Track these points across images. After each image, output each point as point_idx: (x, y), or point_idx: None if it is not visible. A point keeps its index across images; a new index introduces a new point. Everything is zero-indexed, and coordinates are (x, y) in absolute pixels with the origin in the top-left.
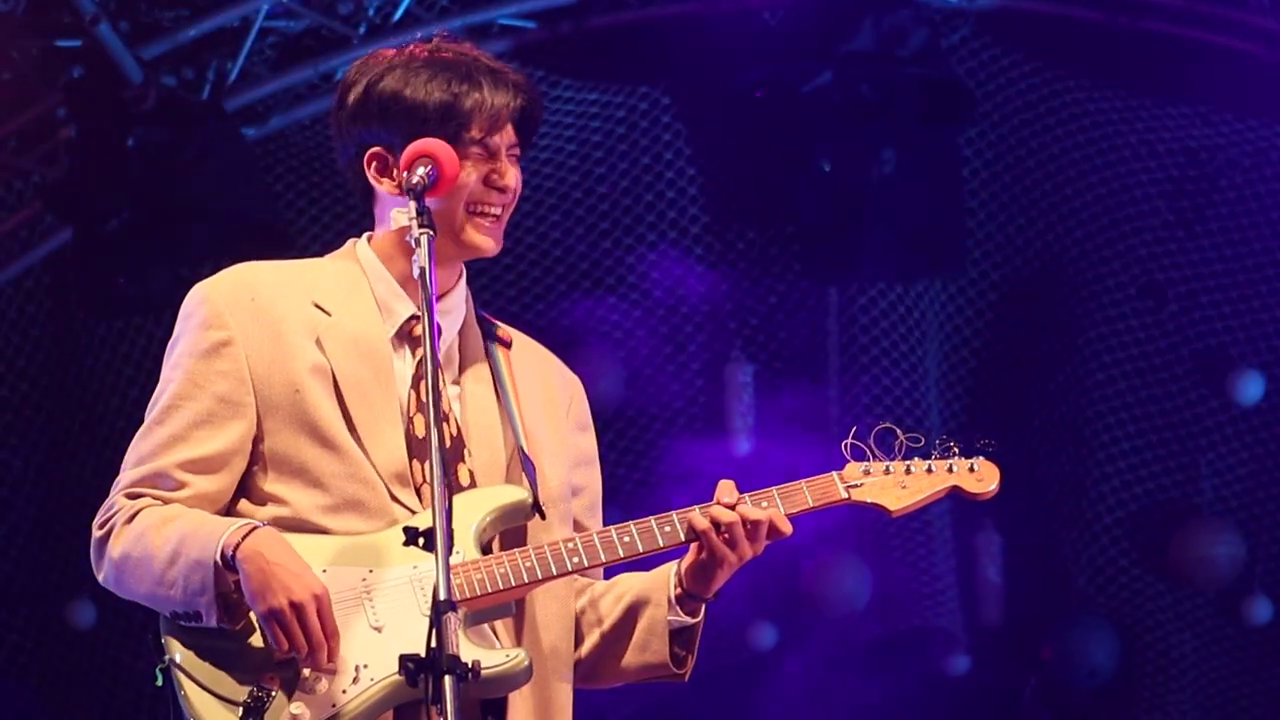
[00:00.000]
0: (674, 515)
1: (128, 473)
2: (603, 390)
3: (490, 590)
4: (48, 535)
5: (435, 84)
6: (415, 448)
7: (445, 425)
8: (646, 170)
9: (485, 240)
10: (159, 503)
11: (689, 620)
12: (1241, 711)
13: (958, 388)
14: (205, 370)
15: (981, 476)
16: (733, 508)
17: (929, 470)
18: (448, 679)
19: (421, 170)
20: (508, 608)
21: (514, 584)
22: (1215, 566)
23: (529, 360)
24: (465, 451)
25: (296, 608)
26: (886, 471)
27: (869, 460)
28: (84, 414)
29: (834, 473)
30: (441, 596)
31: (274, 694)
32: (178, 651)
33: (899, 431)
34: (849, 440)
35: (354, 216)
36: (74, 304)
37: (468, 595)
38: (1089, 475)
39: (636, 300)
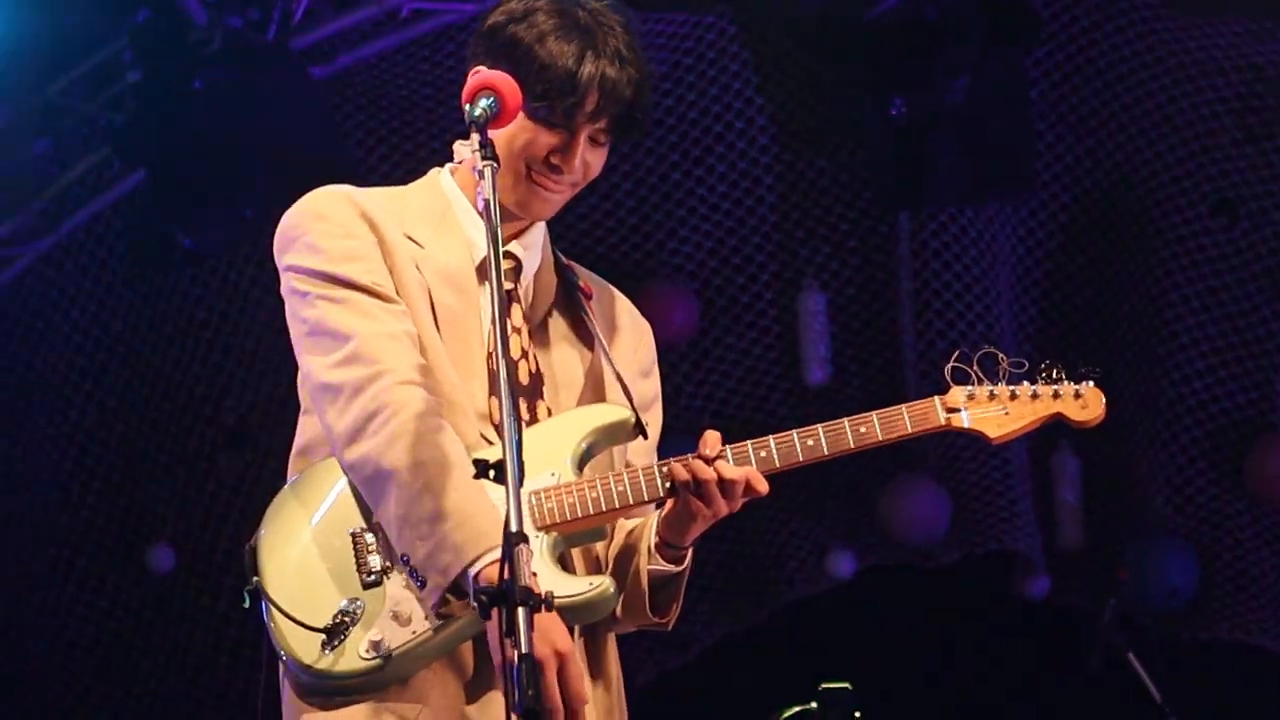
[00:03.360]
0: (657, 465)
1: (379, 343)
2: (677, 322)
3: (580, 515)
4: (125, 480)
5: (556, 42)
6: (495, 385)
7: (524, 362)
8: (715, 100)
9: (535, 205)
10: (439, 410)
11: (671, 569)
12: None
13: (1031, 310)
14: (357, 269)
15: (1086, 404)
16: (711, 462)
17: (1033, 396)
18: (521, 610)
19: (484, 103)
20: (601, 531)
21: (604, 509)
22: None
23: (607, 307)
24: (543, 389)
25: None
26: (990, 396)
27: (973, 385)
28: (158, 357)
29: (935, 397)
30: (513, 529)
31: (357, 619)
32: (267, 572)
33: (1002, 356)
34: (951, 363)
35: (423, 154)
36: (139, 258)
37: (558, 520)
38: (1164, 395)
39: (709, 231)
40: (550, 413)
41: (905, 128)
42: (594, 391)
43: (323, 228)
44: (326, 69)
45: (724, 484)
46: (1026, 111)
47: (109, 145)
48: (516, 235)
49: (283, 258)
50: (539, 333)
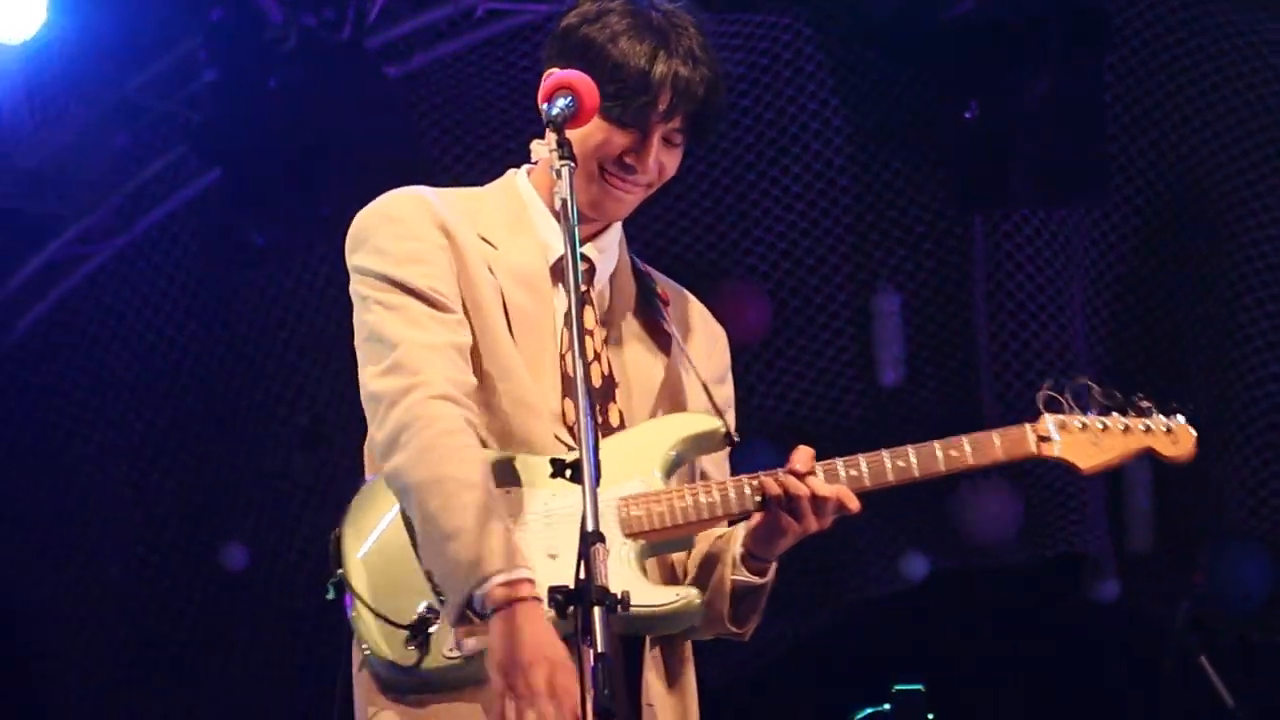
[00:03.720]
0: (753, 478)
1: (422, 355)
2: (750, 322)
3: (668, 525)
4: (199, 478)
5: (629, 42)
6: (568, 386)
7: (597, 365)
8: (790, 101)
9: (608, 205)
10: (468, 427)
11: (755, 580)
12: None
13: (1104, 313)
14: (416, 273)
15: (1177, 439)
16: (803, 478)
17: (1124, 429)
18: (597, 610)
19: (562, 102)
20: (688, 540)
21: (693, 519)
22: None
23: (682, 312)
24: (615, 391)
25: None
26: (1082, 427)
27: (1065, 413)
28: (232, 356)
29: (1027, 424)
30: (589, 528)
31: (442, 616)
32: (351, 564)
33: (1095, 387)
34: (1044, 391)
35: (498, 154)
36: (213, 257)
37: (646, 528)
38: (1238, 398)
39: (782, 232)
40: (622, 416)
41: (981, 130)
42: (669, 396)
43: (391, 229)
44: (401, 68)
45: (816, 500)
46: (1101, 114)
47: (186, 143)
48: (591, 237)
49: (351, 258)
50: (613, 336)
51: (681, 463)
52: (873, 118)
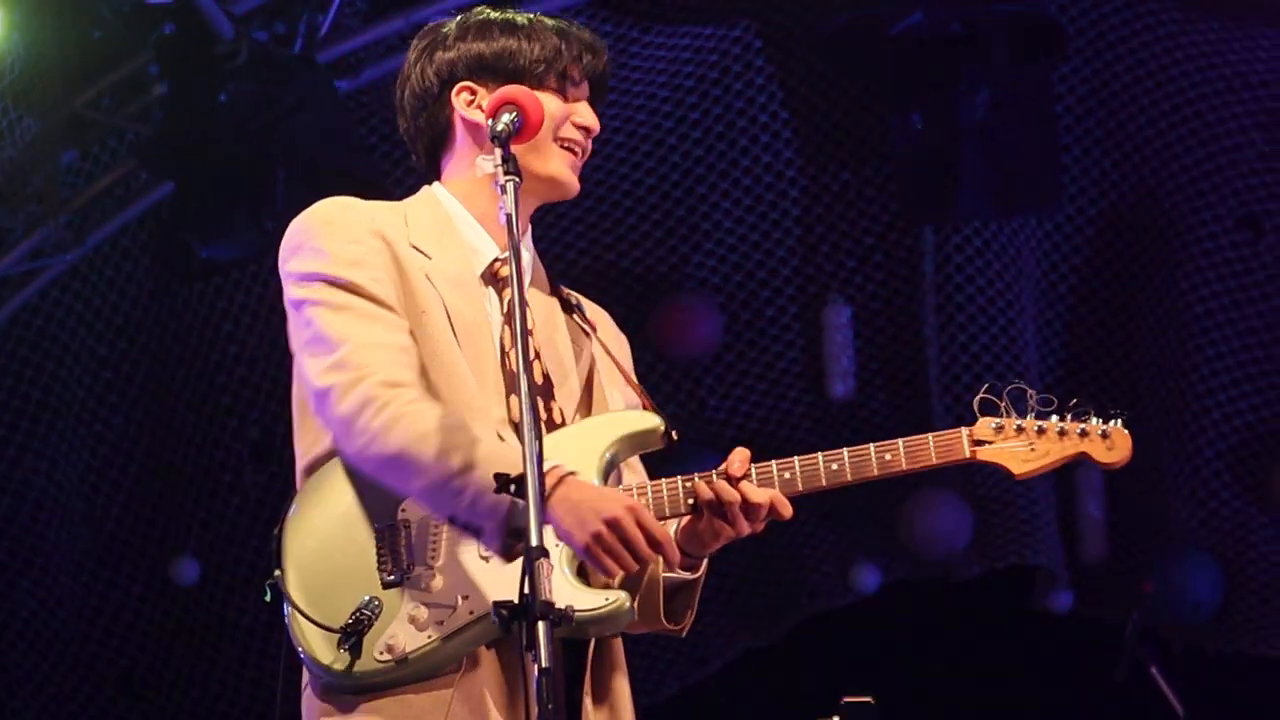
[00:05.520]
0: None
1: (367, 352)
2: (701, 334)
3: None
4: (149, 493)
5: (534, 34)
6: (511, 384)
7: (537, 363)
8: (740, 114)
9: (569, 174)
10: (425, 401)
11: (687, 576)
12: None
13: (1056, 324)
14: (360, 275)
15: (1113, 445)
16: (736, 482)
17: (1060, 433)
18: (541, 625)
19: (507, 117)
20: None
21: None
22: None
23: (593, 313)
24: (554, 390)
25: (611, 523)
26: (1018, 430)
27: (1000, 418)
28: (183, 370)
29: (963, 428)
30: (533, 543)
31: (374, 618)
32: (289, 566)
33: (1031, 391)
34: (980, 395)
35: None
36: (157, 270)
37: None
38: (1189, 408)
39: (733, 245)
40: (562, 413)
41: (930, 141)
42: (588, 391)
43: (329, 232)
44: (352, 83)
45: (747, 506)
46: (1052, 125)
47: (136, 158)
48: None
49: (287, 264)
50: (543, 336)
51: (618, 462)
52: (822, 130)
